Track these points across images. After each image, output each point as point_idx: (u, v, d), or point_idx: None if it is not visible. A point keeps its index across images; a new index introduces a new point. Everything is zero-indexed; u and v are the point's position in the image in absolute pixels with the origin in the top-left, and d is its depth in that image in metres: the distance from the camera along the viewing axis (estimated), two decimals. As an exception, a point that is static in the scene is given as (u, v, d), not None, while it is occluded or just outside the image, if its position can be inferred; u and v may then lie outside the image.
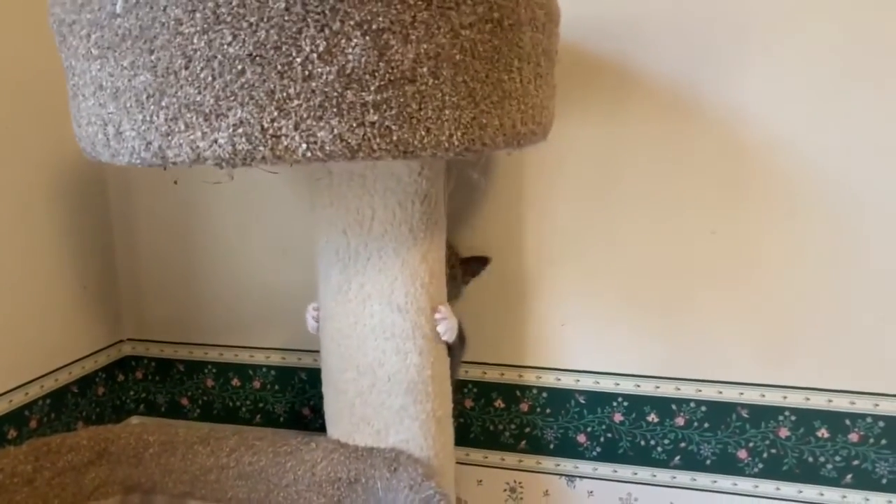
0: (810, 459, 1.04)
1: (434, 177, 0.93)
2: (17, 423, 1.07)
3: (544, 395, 1.13)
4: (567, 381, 1.12)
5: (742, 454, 1.07)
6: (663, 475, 1.11)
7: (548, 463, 1.15)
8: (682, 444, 1.09)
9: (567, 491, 1.15)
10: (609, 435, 1.12)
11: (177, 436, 1.05)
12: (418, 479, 0.91)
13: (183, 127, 0.60)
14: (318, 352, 1.18)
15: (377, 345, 0.96)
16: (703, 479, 1.09)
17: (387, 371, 0.96)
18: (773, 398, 1.04)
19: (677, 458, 1.10)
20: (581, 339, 1.10)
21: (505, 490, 1.18)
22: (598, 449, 1.13)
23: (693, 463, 1.09)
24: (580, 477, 1.14)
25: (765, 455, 1.06)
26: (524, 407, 1.15)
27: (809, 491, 1.05)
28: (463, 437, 1.16)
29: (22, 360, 1.08)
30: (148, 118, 0.61)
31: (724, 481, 1.08)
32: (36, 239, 1.09)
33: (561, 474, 1.15)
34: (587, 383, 1.11)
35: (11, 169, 1.04)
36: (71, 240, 1.16)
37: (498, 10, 0.64)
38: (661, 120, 1.01)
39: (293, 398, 1.25)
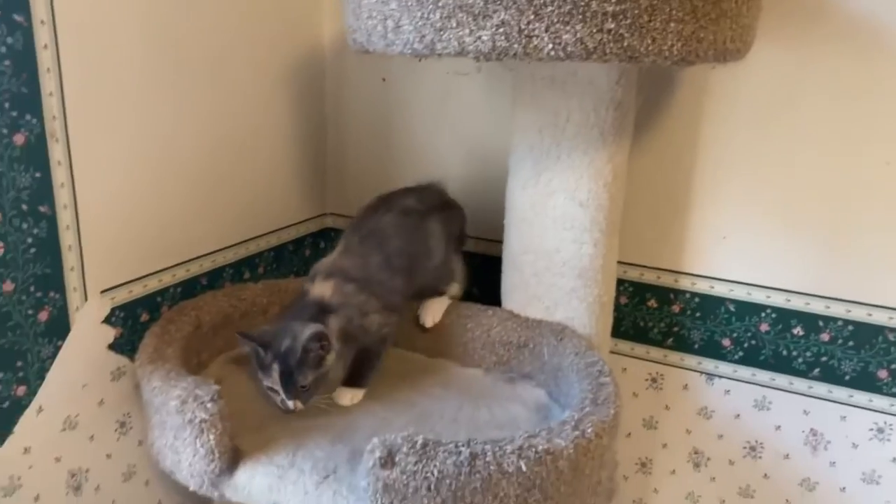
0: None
1: (629, 86, 1.03)
2: (249, 267, 1.32)
3: (696, 299, 1.24)
4: (720, 290, 1.22)
5: (882, 374, 1.14)
6: (800, 384, 1.20)
7: (690, 360, 1.28)
8: (824, 359, 1.17)
9: (705, 387, 1.27)
10: (753, 342, 1.22)
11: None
12: (583, 348, 1.07)
13: (454, 24, 0.74)
14: (488, 240, 1.35)
15: (556, 234, 1.10)
16: (840, 392, 1.18)
17: (562, 257, 1.11)
18: (924, 326, 1.10)
19: (817, 370, 1.18)
20: (739, 252, 1.19)
21: (646, 380, 1.32)
22: (741, 353, 1.23)
23: (832, 377, 1.18)
24: (719, 376, 1.26)
25: (906, 378, 1.13)
26: (675, 308, 1.26)
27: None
28: (614, 329, 1.29)
29: (255, 218, 1.31)
30: (426, 15, 0.76)
31: (861, 396, 1.16)
32: (265, 119, 1.30)
33: (701, 372, 1.27)
34: (739, 293, 1.21)
35: (257, 56, 1.24)
36: (291, 122, 1.36)
37: (728, -65, 0.73)
38: (848, 50, 1.04)
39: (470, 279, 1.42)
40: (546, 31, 0.72)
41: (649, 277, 1.27)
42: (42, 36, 0.88)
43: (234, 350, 1.21)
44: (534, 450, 0.81)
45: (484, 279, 1.38)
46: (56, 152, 0.92)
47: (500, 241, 1.35)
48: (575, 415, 0.89)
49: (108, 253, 1.02)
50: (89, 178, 0.97)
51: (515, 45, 0.73)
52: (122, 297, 1.06)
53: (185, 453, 0.91)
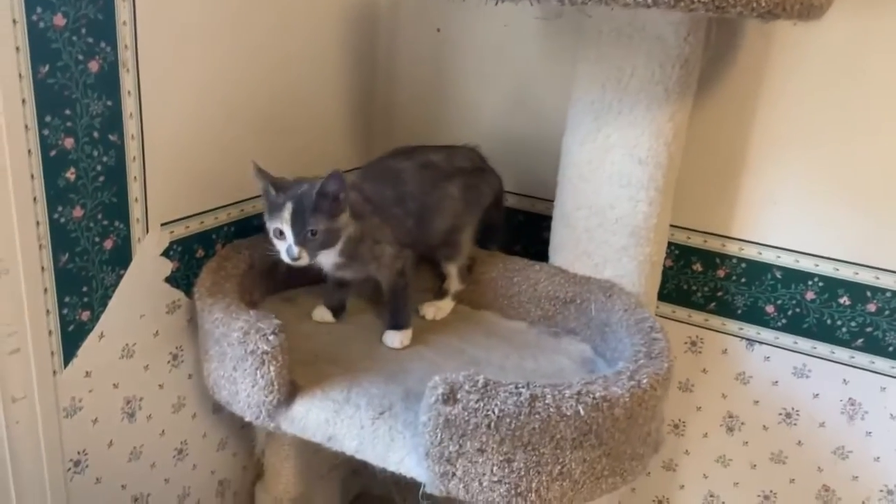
0: None
1: (696, 43, 1.02)
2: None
3: (743, 265, 1.24)
4: (768, 256, 1.22)
5: (928, 347, 1.15)
6: (842, 353, 1.21)
7: (732, 326, 1.28)
8: (869, 329, 1.18)
9: (745, 353, 1.28)
10: (798, 310, 1.22)
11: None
12: (632, 305, 1.08)
13: (542, -35, 0.74)
14: (537, 198, 1.35)
15: (612, 190, 1.10)
16: (882, 363, 1.18)
17: (616, 214, 1.11)
18: (974, 300, 1.10)
19: (860, 340, 1.19)
20: (790, 218, 1.19)
21: (686, 343, 1.33)
22: (784, 321, 1.24)
23: (876, 348, 1.18)
24: (760, 342, 1.27)
25: (951, 352, 1.13)
26: (720, 273, 1.27)
27: None
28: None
29: (304, 164, 1.30)
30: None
31: (904, 369, 1.17)
32: (320, 67, 1.29)
33: (742, 337, 1.28)
34: (787, 260, 1.21)
35: (316, 3, 1.23)
36: (344, 71, 1.36)
37: None
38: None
39: (508, 236, 1.43)
40: (636, -25, 0.72)
41: (696, 241, 1.27)
42: (120, -37, 0.88)
43: (284, 292, 1.23)
44: (591, 396, 0.82)
45: (528, 235, 1.39)
46: (127, 82, 0.93)
47: (545, 199, 1.35)
48: (629, 366, 0.90)
49: (168, 187, 1.03)
50: (155, 111, 0.98)
51: (603, -12, 0.73)
52: (180, 232, 1.08)
53: (244, 384, 0.93)
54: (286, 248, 0.95)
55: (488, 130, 1.38)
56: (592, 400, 0.82)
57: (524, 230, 1.41)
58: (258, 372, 0.91)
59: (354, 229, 1.01)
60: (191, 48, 1.01)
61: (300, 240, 0.94)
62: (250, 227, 1.21)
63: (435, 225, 1.13)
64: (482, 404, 0.80)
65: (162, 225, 1.04)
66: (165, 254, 1.06)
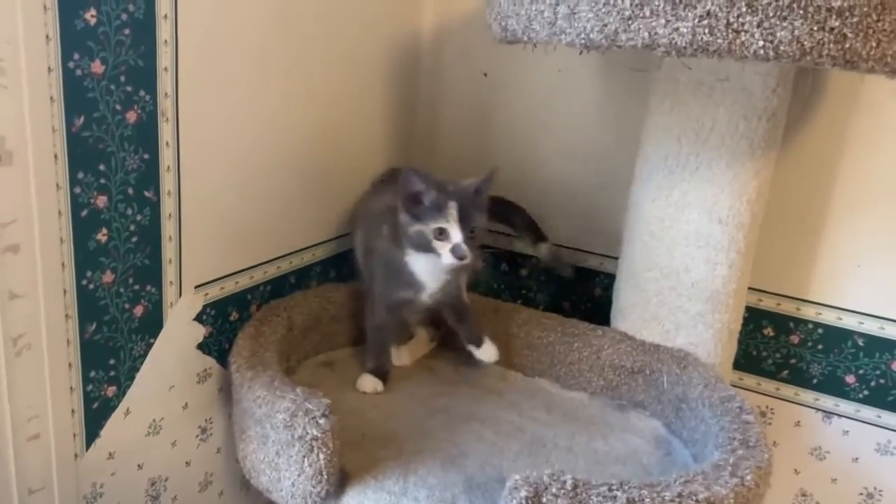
0: None
1: (785, 95, 0.94)
2: (335, 266, 1.23)
3: (820, 331, 1.14)
4: (849, 322, 1.12)
5: None
6: (933, 431, 1.10)
7: (806, 396, 1.18)
8: (965, 405, 1.08)
9: (821, 426, 1.18)
10: (882, 381, 1.12)
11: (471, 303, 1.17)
12: (712, 380, 0.97)
13: (648, 13, 0.66)
14: (590, 252, 1.26)
15: (688, 251, 1.01)
16: (980, 443, 1.08)
17: (692, 277, 1.01)
18: None
19: (954, 417, 1.09)
20: (875, 283, 1.09)
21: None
22: (866, 392, 1.13)
23: (972, 425, 1.08)
24: (838, 415, 1.16)
25: None
26: (795, 339, 1.17)
27: None
28: (722, 355, 1.21)
29: (346, 214, 1.22)
30: (612, 1, 0.67)
31: None
32: (362, 112, 1.21)
33: (818, 409, 1.17)
34: (871, 327, 1.11)
35: (357, 49, 1.16)
36: (387, 116, 1.28)
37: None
38: None
39: (556, 291, 1.33)
40: (758, 26, 0.63)
41: (768, 304, 1.18)
42: (164, 4, 0.80)
43: (322, 354, 1.13)
44: (694, 498, 0.72)
45: (580, 292, 1.30)
46: (165, 133, 0.84)
47: (599, 254, 1.26)
48: (727, 458, 0.80)
49: (204, 246, 0.94)
50: (194, 164, 0.89)
51: (720, 40, 0.64)
52: (214, 293, 0.98)
53: (289, 472, 0.83)
54: (453, 246, 0.90)
55: (537, 179, 1.29)
56: (695, 502, 0.72)
57: (574, 285, 1.31)
58: (306, 460, 0.80)
59: None
60: (233, 95, 0.93)
61: (466, 238, 0.90)
62: (287, 286, 1.12)
63: None
64: (572, 510, 0.69)
65: (196, 287, 0.95)
66: (198, 318, 0.97)
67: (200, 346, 0.98)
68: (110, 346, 0.85)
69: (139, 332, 0.88)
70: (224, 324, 1.01)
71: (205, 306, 0.97)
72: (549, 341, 1.12)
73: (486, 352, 1.05)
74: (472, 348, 1.05)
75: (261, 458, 0.87)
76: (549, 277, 1.33)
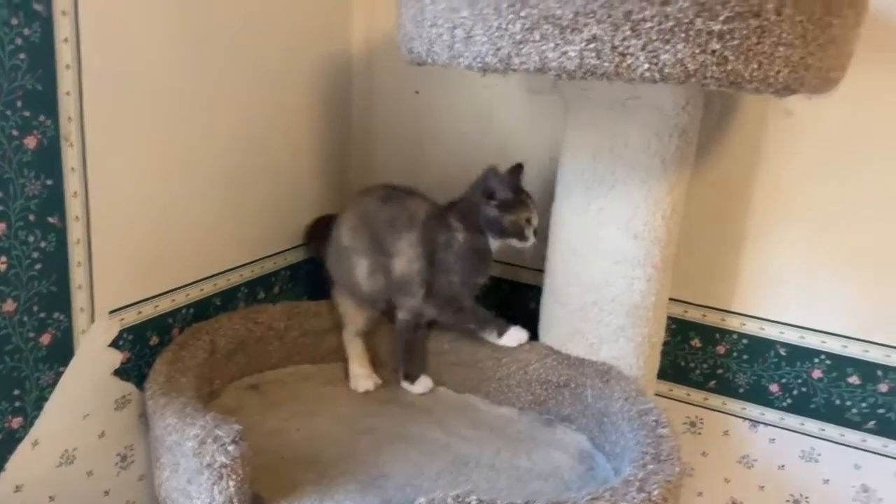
0: None
1: (695, 112, 0.96)
2: (265, 286, 1.22)
3: (744, 341, 1.17)
4: (771, 332, 1.15)
5: (945, 431, 1.07)
6: (853, 436, 1.13)
7: (734, 405, 1.20)
8: (881, 411, 1.10)
9: (748, 434, 1.20)
10: (804, 389, 1.14)
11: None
12: (633, 393, 0.98)
13: (537, 37, 0.66)
14: (522, 267, 1.27)
15: (607, 266, 1.02)
16: (897, 447, 1.10)
17: (612, 292, 1.02)
18: None
19: (872, 422, 1.11)
20: (794, 293, 1.12)
21: (685, 423, 1.24)
22: (789, 400, 1.16)
23: (889, 430, 1.10)
24: (764, 424, 1.18)
25: (970, 436, 1.06)
26: (720, 349, 1.19)
27: None
28: (652, 367, 1.22)
29: (274, 234, 1.22)
30: (503, 26, 0.68)
31: (919, 454, 1.09)
32: (289, 131, 1.21)
33: (745, 418, 1.19)
34: (792, 336, 1.13)
35: (282, 66, 1.15)
36: (316, 135, 1.27)
37: (846, -47, 0.66)
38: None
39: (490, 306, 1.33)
40: (643, 49, 0.64)
41: (694, 315, 1.19)
42: (63, 28, 0.78)
43: (248, 376, 1.12)
44: (598, 515, 0.72)
45: (515, 306, 1.30)
46: (70, 158, 0.83)
47: (530, 269, 1.27)
48: (638, 473, 0.80)
49: (119, 270, 0.93)
50: (104, 188, 0.88)
51: (606, 64, 0.65)
52: (131, 318, 0.97)
53: (200, 499, 0.81)
54: (531, 231, 1.05)
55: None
56: (600, 519, 0.72)
57: (509, 301, 1.32)
58: (216, 487, 0.79)
59: None
60: (145, 115, 0.92)
61: None
62: (211, 308, 1.10)
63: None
64: (475, 531, 0.69)
65: (110, 312, 0.93)
66: (115, 344, 0.95)
67: (118, 373, 0.96)
68: (14, 376, 0.82)
69: (47, 360, 0.86)
70: (143, 349, 0.99)
71: (121, 331, 0.95)
72: (478, 357, 1.12)
73: (510, 336, 1.09)
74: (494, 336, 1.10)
75: (174, 485, 0.85)
76: (484, 293, 1.33)
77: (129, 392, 0.98)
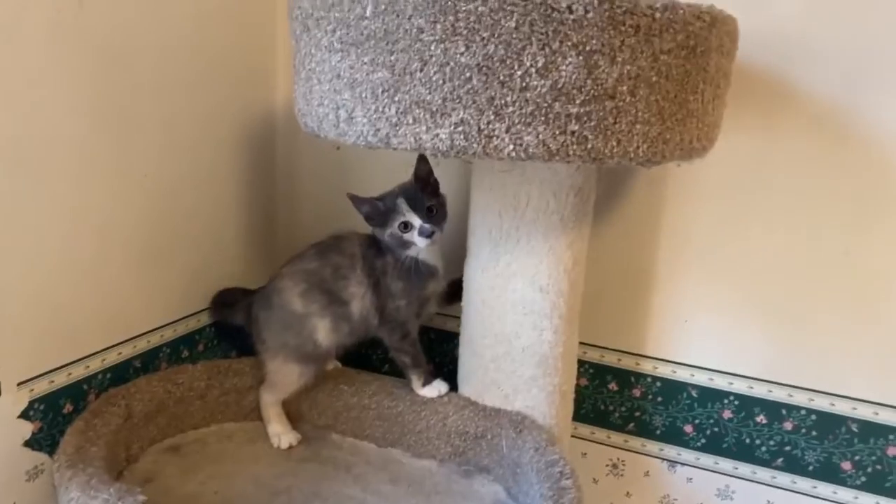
0: (915, 480, 1.08)
1: (589, 173, 1.00)
2: (188, 345, 1.23)
3: (658, 384, 1.21)
4: (682, 375, 1.19)
5: (846, 465, 1.11)
6: (764, 473, 1.17)
7: (652, 447, 1.23)
8: (787, 448, 1.14)
9: (667, 474, 1.23)
10: (716, 429, 1.18)
11: (326, 375, 1.18)
12: (543, 444, 1.01)
13: (411, 121, 0.70)
14: (448, 315, 1.29)
15: (516, 318, 1.05)
16: (804, 483, 1.14)
17: (522, 343, 1.06)
18: (887, 417, 1.08)
19: (780, 459, 1.15)
20: (701, 337, 1.16)
21: (607, 465, 1.27)
22: (703, 440, 1.20)
23: (795, 467, 1.14)
24: (682, 464, 1.22)
25: (870, 469, 1.10)
26: (636, 392, 1.22)
27: (910, 510, 1.09)
28: (574, 412, 1.24)
29: (196, 292, 1.23)
30: (381, 109, 0.71)
31: (825, 488, 1.13)
32: (211, 188, 1.23)
33: (663, 458, 1.23)
34: (701, 378, 1.18)
35: (203, 125, 1.18)
36: (239, 192, 1.30)
37: (694, 38, 0.71)
38: (806, 139, 1.04)
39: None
40: (507, 131, 0.68)
41: (610, 359, 1.23)
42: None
43: (169, 438, 1.12)
44: (491, 574, 0.74)
45: (441, 353, 1.33)
46: (-29, 229, 0.84)
47: (456, 317, 1.30)
48: (536, 527, 0.83)
49: (26, 340, 0.93)
50: (8, 257, 0.88)
51: (475, 145, 0.69)
52: (42, 388, 0.97)
53: (105, 574, 0.82)
54: (418, 230, 1.04)
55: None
56: (493, 578, 0.74)
57: (435, 349, 1.34)
58: (119, 563, 0.80)
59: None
60: (51, 184, 0.93)
61: (426, 218, 1.04)
62: (131, 370, 1.10)
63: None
64: None
65: (19, 384, 0.93)
66: (24, 415, 0.95)
67: (29, 443, 0.96)
68: (-87, 455, 0.82)
69: (-51, 437, 0.86)
70: (56, 417, 0.99)
71: (31, 402, 0.95)
72: (398, 411, 1.14)
73: (431, 388, 1.12)
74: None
75: (80, 560, 0.85)
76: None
77: (43, 462, 0.98)
